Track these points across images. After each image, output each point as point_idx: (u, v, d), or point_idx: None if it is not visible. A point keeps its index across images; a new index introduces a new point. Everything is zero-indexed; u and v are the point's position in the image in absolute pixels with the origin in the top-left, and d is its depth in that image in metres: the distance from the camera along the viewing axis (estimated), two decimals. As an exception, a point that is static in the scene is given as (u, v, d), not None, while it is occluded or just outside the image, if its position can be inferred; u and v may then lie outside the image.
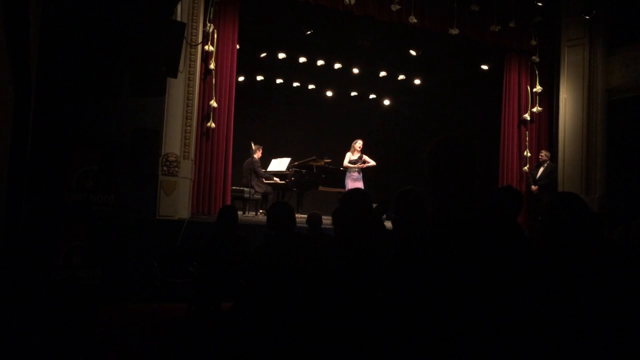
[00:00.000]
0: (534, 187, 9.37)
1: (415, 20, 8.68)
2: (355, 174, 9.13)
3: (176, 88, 7.13)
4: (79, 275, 3.97)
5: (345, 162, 9.22)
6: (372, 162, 9.27)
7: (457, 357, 1.60)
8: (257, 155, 9.44)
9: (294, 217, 3.83)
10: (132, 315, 5.45)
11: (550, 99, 10.16)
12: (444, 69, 11.58)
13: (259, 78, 12.29)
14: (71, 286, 3.90)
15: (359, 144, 9.23)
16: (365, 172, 9.34)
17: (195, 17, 7.49)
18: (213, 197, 8.13)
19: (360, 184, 8.88)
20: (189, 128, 7.36)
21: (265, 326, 3.28)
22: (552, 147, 9.93)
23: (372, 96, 13.95)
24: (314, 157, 9.43)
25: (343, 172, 9.56)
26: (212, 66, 7.99)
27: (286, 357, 3.02)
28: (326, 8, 8.40)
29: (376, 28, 9.34)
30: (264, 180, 9.32)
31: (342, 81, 12.64)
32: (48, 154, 3.87)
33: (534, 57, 9.92)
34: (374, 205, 3.43)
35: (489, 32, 9.33)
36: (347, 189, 9.06)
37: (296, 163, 9.46)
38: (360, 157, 9.14)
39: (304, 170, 9.19)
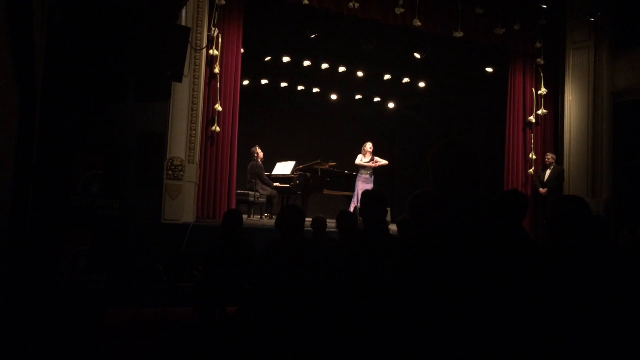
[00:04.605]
0: (542, 190, 9.30)
1: (419, 24, 8.68)
2: (367, 176, 9.21)
3: (181, 92, 7.16)
4: (85, 279, 3.98)
5: (358, 162, 9.31)
6: (384, 162, 9.37)
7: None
8: (260, 156, 9.43)
9: (303, 222, 3.82)
10: (138, 319, 5.46)
11: (555, 101, 10.13)
12: (448, 72, 11.56)
13: (264, 82, 12.30)
14: (77, 290, 3.91)
15: (369, 146, 9.37)
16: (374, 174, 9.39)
17: (200, 22, 7.51)
18: (218, 201, 8.14)
19: (370, 187, 8.88)
20: (194, 132, 7.38)
21: (271, 330, 3.28)
22: (558, 149, 9.89)
23: (376, 99, 13.95)
24: (318, 161, 9.43)
25: (348, 176, 9.59)
26: (217, 70, 8.01)
27: (291, 362, 3.01)
28: (331, 12, 8.41)
29: (381, 31, 9.34)
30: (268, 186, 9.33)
31: (346, 85, 12.65)
32: (54, 159, 3.89)
33: (539, 60, 9.90)
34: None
35: (494, 35, 9.31)
36: (357, 190, 9.13)
37: (301, 167, 9.46)
38: (372, 159, 9.25)
39: (308, 174, 9.19)
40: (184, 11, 6.78)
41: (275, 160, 10.21)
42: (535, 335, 1.76)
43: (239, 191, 8.91)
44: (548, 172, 9.38)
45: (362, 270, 2.78)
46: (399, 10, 8.54)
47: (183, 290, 5.79)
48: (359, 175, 9.31)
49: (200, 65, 7.54)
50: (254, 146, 9.42)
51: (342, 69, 11.57)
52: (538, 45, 9.72)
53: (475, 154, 1.82)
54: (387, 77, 12.18)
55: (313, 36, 9.34)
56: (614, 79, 9.55)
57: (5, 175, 2.84)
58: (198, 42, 7.49)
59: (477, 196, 1.79)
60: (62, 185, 3.89)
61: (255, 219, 9.19)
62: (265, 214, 9.56)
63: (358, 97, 13.65)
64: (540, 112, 10.00)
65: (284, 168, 9.76)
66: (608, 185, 9.39)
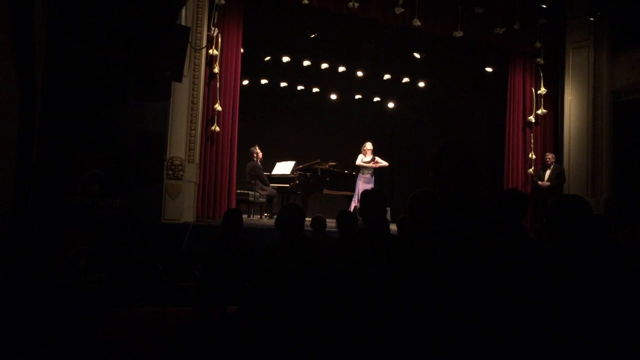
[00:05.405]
0: (542, 183, 9.20)
1: (419, 23, 8.68)
2: (368, 176, 9.27)
3: (181, 92, 7.16)
4: (85, 279, 3.98)
5: (358, 162, 9.34)
6: (384, 163, 9.42)
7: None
8: (259, 156, 9.43)
9: (303, 221, 3.81)
10: (138, 318, 5.46)
11: (555, 101, 10.14)
12: (448, 71, 11.56)
13: (263, 81, 12.30)
14: (77, 290, 3.91)
15: (368, 145, 9.47)
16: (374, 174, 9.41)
17: (199, 22, 7.52)
18: (218, 201, 8.15)
19: (371, 187, 8.90)
20: (193, 132, 7.38)
21: (271, 330, 3.27)
22: (557, 149, 9.90)
23: (376, 99, 13.94)
24: (318, 160, 9.45)
25: (348, 176, 9.62)
26: (216, 70, 8.01)
27: (291, 361, 3.01)
28: (330, 11, 8.41)
29: (380, 31, 9.34)
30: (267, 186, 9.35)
31: (346, 84, 12.65)
32: (53, 158, 3.89)
33: (538, 59, 9.91)
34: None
35: (494, 35, 9.32)
36: (357, 190, 9.16)
37: (301, 166, 9.47)
38: (372, 159, 9.28)
39: (308, 174, 9.20)
40: (183, 11, 6.76)
41: (275, 160, 10.22)
42: (535, 334, 1.76)
43: (238, 191, 8.91)
44: (548, 171, 9.37)
45: (362, 269, 2.78)
46: (399, 10, 8.54)
47: (183, 290, 5.79)
48: (360, 175, 9.37)
49: (199, 65, 7.54)
50: (254, 146, 9.43)
51: (341, 69, 11.57)
52: (538, 44, 9.72)
53: (475, 153, 1.82)
54: (386, 76, 12.18)
55: (312, 36, 9.34)
56: (613, 78, 9.56)
57: (5, 175, 2.84)
58: (198, 41, 7.49)
59: (477, 195, 1.79)
60: (62, 185, 3.89)
61: (255, 218, 9.19)
62: (265, 214, 9.57)
63: (358, 96, 13.65)
64: (539, 111, 10.00)
65: (283, 168, 9.77)
66: (608, 185, 9.39)
